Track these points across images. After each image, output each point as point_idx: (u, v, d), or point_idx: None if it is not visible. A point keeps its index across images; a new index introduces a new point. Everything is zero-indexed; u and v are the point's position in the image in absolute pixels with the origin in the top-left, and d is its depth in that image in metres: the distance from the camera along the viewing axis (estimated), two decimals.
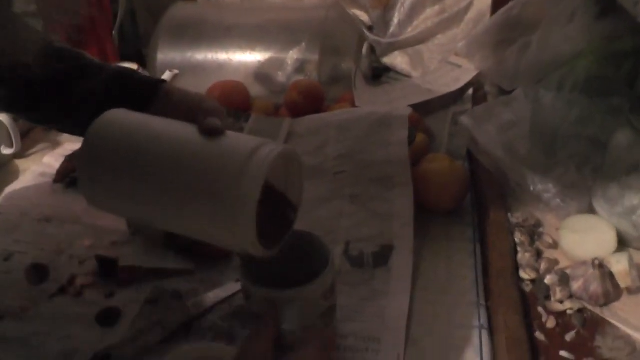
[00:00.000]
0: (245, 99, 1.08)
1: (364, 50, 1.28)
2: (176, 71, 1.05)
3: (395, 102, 1.13)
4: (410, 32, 1.34)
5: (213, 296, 0.69)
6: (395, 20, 1.36)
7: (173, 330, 0.64)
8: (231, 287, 0.70)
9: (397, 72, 1.31)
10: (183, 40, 1.17)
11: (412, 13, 1.35)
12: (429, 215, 0.80)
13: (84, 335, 0.64)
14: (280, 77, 1.15)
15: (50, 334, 0.65)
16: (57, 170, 0.91)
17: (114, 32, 1.25)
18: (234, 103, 1.04)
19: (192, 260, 0.73)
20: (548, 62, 0.91)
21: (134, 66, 1.12)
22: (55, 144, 1.06)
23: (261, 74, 1.16)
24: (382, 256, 0.73)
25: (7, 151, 1.00)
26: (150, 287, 0.70)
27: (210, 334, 0.64)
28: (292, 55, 1.15)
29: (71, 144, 1.04)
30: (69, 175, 0.90)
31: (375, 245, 0.74)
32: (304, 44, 1.14)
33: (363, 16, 1.41)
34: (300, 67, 1.15)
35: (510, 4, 1.07)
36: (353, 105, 1.07)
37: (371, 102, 1.11)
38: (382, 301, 0.66)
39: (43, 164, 0.99)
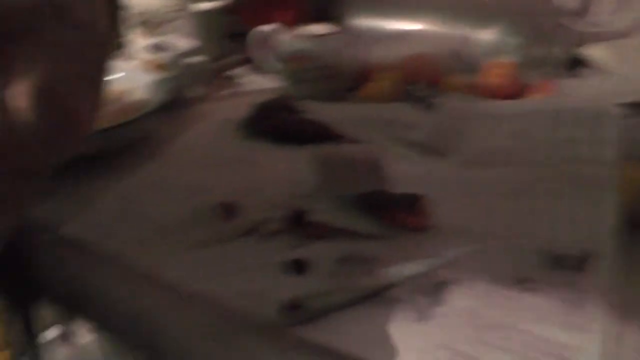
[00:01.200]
0: (439, 74, 1.02)
1: (564, 37, 1.19)
2: (376, 36, 1.01)
3: (599, 98, 1.03)
4: (619, 23, 1.22)
5: (404, 268, 0.64)
6: (602, 8, 1.25)
7: (362, 295, 0.60)
8: (422, 263, 0.64)
9: (595, 66, 1.20)
10: (376, 6, 1.14)
11: (623, 1, 1.23)
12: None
13: (274, 280, 0.62)
14: (474, 56, 1.09)
15: (240, 271, 0.64)
16: (245, 117, 0.90)
17: None
18: (425, 77, 1.00)
19: (384, 227, 0.69)
20: None
21: (325, 28, 1.09)
22: (237, 92, 1.06)
23: (454, 50, 1.10)
24: (583, 261, 0.65)
25: (195, 93, 1.01)
26: (339, 247, 0.66)
27: (402, 307, 0.59)
28: (489, 35, 1.08)
29: (253, 94, 1.03)
30: (257, 124, 0.89)
31: (577, 248, 0.66)
32: (502, 24, 1.07)
33: (566, 2, 1.31)
34: (495, 48, 1.08)
35: None
36: (552, 94, 0.98)
37: (572, 94, 1.02)
38: (584, 306, 0.59)
39: (229, 109, 0.98)
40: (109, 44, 0.52)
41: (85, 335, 1.37)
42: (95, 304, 0.72)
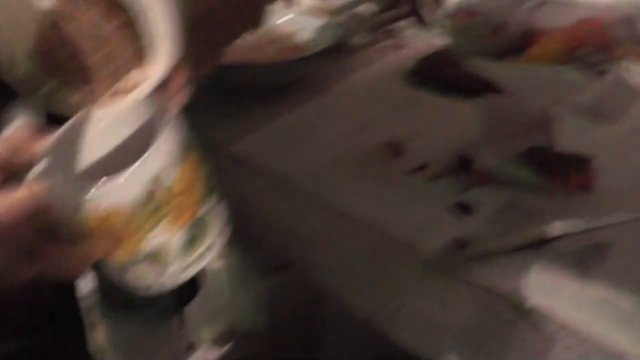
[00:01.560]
0: (608, 41, 0.99)
1: None
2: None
3: None
4: None
5: (567, 224, 0.64)
6: None
7: (526, 244, 0.61)
8: (585, 222, 0.65)
9: None
10: None
11: None
12: None
13: (441, 218, 0.65)
14: None
15: (407, 206, 0.67)
16: (412, 67, 0.92)
17: None
18: (595, 42, 0.97)
19: (551, 182, 0.70)
20: None
21: None
22: (399, 44, 1.08)
23: (625, 16, 1.06)
24: None
25: (359, 40, 1.04)
26: (504, 195, 0.68)
27: (565, 260, 0.60)
28: None
29: (417, 47, 1.05)
30: (422, 74, 0.91)
31: None
32: None
33: None
34: None
35: None
36: None
37: None
38: None
39: (392, 58, 1.01)
40: None
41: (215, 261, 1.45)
42: (255, 220, 0.78)
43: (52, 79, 0.41)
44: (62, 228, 0.40)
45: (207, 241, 0.43)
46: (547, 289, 0.57)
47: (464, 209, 0.66)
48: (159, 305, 1.04)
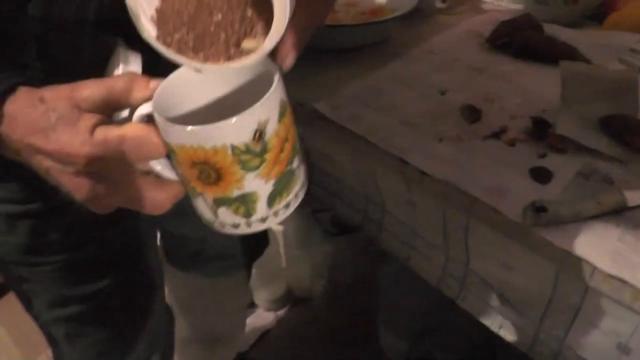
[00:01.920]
0: None
1: None
2: None
3: None
4: None
5: None
6: None
7: (606, 210, 0.62)
8: None
9: None
10: None
11: None
12: None
13: (518, 182, 0.66)
14: None
15: (484, 169, 0.68)
16: (492, 31, 0.93)
17: None
18: None
19: (626, 151, 0.70)
20: None
21: None
22: (479, 10, 1.08)
23: None
24: None
25: (439, 5, 1.05)
26: (581, 162, 0.69)
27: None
28: None
29: (495, 13, 1.05)
30: (501, 38, 0.91)
31: None
32: None
33: None
34: None
35: None
36: None
37: None
38: None
39: (471, 23, 1.01)
40: None
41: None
42: (329, 176, 0.81)
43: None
44: (155, 167, 0.45)
45: (292, 193, 0.47)
46: (622, 256, 0.58)
47: (543, 174, 0.67)
48: (226, 259, 1.08)
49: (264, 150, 0.42)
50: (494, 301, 0.67)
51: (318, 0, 0.43)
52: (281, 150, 0.44)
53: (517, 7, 1.06)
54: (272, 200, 0.45)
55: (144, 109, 0.44)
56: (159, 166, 0.46)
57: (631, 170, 0.68)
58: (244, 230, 0.47)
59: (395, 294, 1.25)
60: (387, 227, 0.77)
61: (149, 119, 0.44)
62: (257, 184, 0.44)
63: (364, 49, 0.93)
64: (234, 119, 0.40)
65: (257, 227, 0.46)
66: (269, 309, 1.66)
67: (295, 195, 0.47)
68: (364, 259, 1.39)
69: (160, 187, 0.46)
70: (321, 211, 1.38)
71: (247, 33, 0.42)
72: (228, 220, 0.46)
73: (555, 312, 0.61)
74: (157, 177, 0.46)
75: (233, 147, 0.41)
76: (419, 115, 0.77)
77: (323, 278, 1.47)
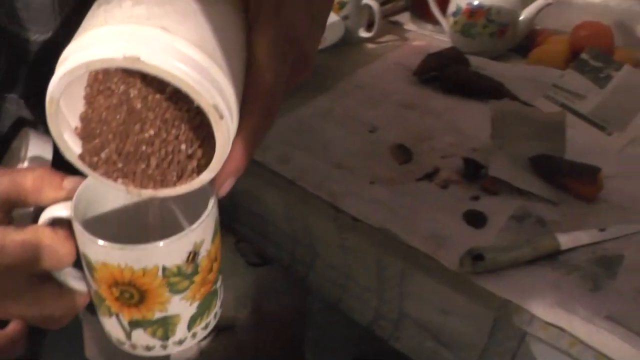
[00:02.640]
0: (610, 45, 1.00)
1: None
2: (550, 0, 1.00)
3: None
4: None
5: (577, 236, 0.65)
6: None
7: (541, 255, 0.62)
8: (594, 234, 0.66)
9: None
10: None
11: None
12: None
13: (453, 227, 0.65)
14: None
15: (418, 213, 0.67)
16: (419, 65, 0.92)
17: None
18: (598, 46, 0.97)
19: (557, 192, 0.70)
20: None
21: None
22: (404, 39, 1.08)
23: (623, 22, 1.07)
24: None
25: (364, 34, 1.03)
26: (515, 204, 0.68)
27: (577, 273, 0.61)
28: None
29: (421, 43, 1.05)
30: (429, 72, 0.91)
31: None
32: None
33: None
34: None
35: None
36: None
37: None
38: None
39: (397, 54, 1.00)
40: None
41: None
42: (254, 213, 0.77)
43: None
44: (59, 276, 0.41)
45: (212, 314, 0.45)
46: (556, 302, 0.57)
47: (477, 218, 0.66)
48: None
49: (195, 272, 0.40)
50: (429, 342, 0.65)
51: (264, 105, 0.39)
52: (210, 270, 0.42)
53: (442, 37, 1.06)
54: (192, 322, 0.42)
55: (54, 211, 0.39)
56: (63, 276, 0.41)
57: (561, 212, 0.68)
58: (157, 352, 0.43)
59: (325, 323, 1.23)
60: (317, 270, 0.74)
61: (54, 221, 0.39)
62: (182, 307, 0.41)
63: None
64: (169, 240, 0.37)
65: (172, 350, 0.43)
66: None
67: (214, 315, 0.45)
68: (290, 288, 1.36)
69: (60, 297, 0.41)
70: (245, 241, 1.34)
71: (182, 155, 0.37)
72: (141, 342, 0.42)
73: (492, 356, 0.60)
74: (59, 285, 0.41)
75: (164, 269, 0.38)
76: (350, 155, 0.75)
77: (246, 308, 1.43)
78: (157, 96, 0.35)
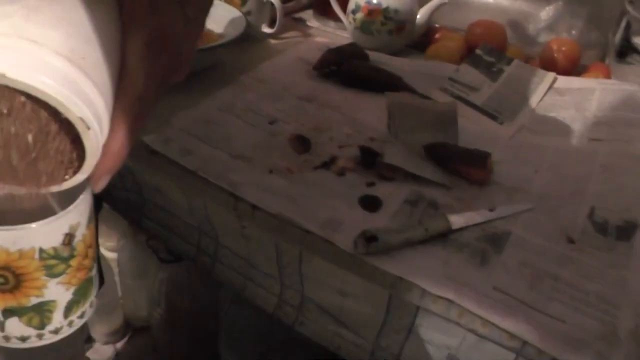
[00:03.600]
0: (503, 42, 1.05)
1: (622, 23, 1.21)
2: (445, 0, 1.04)
3: None
4: None
5: (468, 216, 0.68)
6: None
7: (433, 235, 0.64)
8: (484, 214, 0.69)
9: None
10: None
11: None
12: None
13: (348, 212, 0.66)
14: (531, 29, 1.12)
15: (315, 200, 0.68)
16: (318, 59, 0.93)
17: None
18: (492, 43, 1.02)
19: (449, 177, 0.73)
20: None
21: None
22: (307, 35, 1.09)
23: (515, 21, 1.13)
24: (626, 231, 0.69)
25: (267, 30, 1.04)
26: (409, 189, 0.71)
27: (466, 250, 0.63)
28: (548, 12, 1.11)
29: (323, 39, 1.07)
30: (328, 66, 0.92)
31: (620, 218, 0.70)
32: (561, 2, 1.10)
33: None
34: (553, 24, 1.11)
35: None
36: (605, 77, 1.02)
37: (624, 79, 1.06)
38: (622, 272, 0.63)
39: (299, 49, 1.02)
40: None
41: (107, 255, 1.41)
42: (159, 209, 0.77)
43: None
44: None
45: (87, 302, 0.44)
46: (448, 277, 0.60)
47: (372, 203, 0.68)
48: None
49: (71, 255, 0.40)
50: (331, 325, 0.66)
51: (135, 109, 0.39)
52: (86, 256, 0.41)
53: (343, 34, 1.08)
54: (69, 309, 0.42)
55: None
56: None
57: (454, 195, 0.71)
58: (32, 343, 0.42)
59: (236, 316, 1.22)
60: (222, 260, 0.74)
61: None
62: (58, 292, 0.40)
63: (192, 76, 0.89)
64: (46, 221, 0.37)
65: (48, 340, 0.42)
66: (107, 342, 1.58)
67: (90, 304, 0.44)
68: (202, 284, 1.35)
69: None
70: (155, 238, 1.32)
71: (55, 157, 0.37)
72: (16, 333, 0.41)
73: (390, 332, 0.62)
74: None
75: (41, 251, 0.37)
76: (250, 147, 0.76)
77: (160, 306, 1.41)
78: (29, 102, 0.35)
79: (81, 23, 0.35)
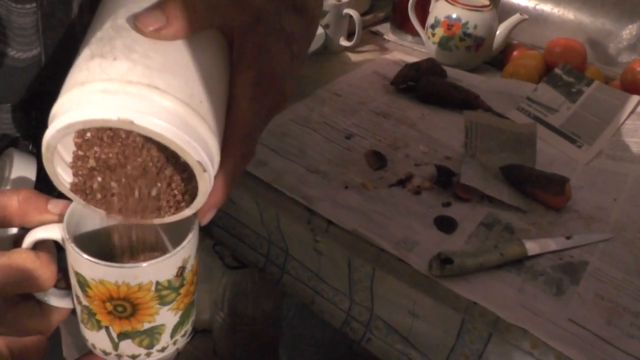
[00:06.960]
0: (582, 61, 1.03)
1: None
2: (525, 16, 1.02)
3: None
4: None
5: (544, 243, 0.67)
6: None
7: (507, 260, 0.63)
8: (561, 242, 0.68)
9: None
10: None
11: None
12: None
13: (423, 232, 0.66)
14: (612, 49, 1.09)
15: (390, 218, 0.68)
16: (396, 75, 0.94)
17: None
18: (571, 63, 1.00)
19: (526, 201, 0.72)
20: None
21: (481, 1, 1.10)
22: (383, 49, 1.10)
23: (595, 40, 1.10)
24: None
25: (345, 43, 1.05)
26: (484, 211, 0.70)
27: (542, 279, 0.62)
28: (631, 30, 1.08)
29: (400, 53, 1.06)
30: (406, 82, 0.93)
31: None
32: None
33: None
34: (636, 44, 1.08)
35: None
36: None
37: None
38: None
39: (376, 64, 1.02)
40: (317, 21, 0.53)
41: None
42: (231, 217, 0.79)
43: None
44: (40, 296, 0.42)
45: (190, 322, 0.47)
46: (522, 305, 0.59)
47: (447, 224, 0.67)
48: None
49: (181, 284, 0.43)
50: (399, 344, 0.67)
51: (243, 146, 0.40)
52: (192, 282, 0.44)
53: (421, 48, 1.08)
54: (175, 330, 0.45)
55: (38, 234, 0.41)
56: (44, 296, 0.43)
57: (530, 220, 0.70)
58: None
59: (299, 325, 1.23)
60: (290, 272, 0.75)
61: (36, 244, 0.41)
62: (168, 317, 0.43)
63: None
64: (164, 257, 0.40)
65: (155, 357, 0.46)
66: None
67: (191, 324, 0.48)
68: (266, 292, 1.36)
69: (40, 315, 0.42)
70: (222, 244, 1.34)
71: (167, 192, 0.39)
72: (128, 352, 0.44)
73: (459, 356, 0.62)
74: (37, 302, 0.43)
75: (157, 284, 0.41)
76: (326, 161, 0.76)
77: (223, 310, 1.44)
78: (145, 141, 0.37)
79: (196, 66, 0.37)
